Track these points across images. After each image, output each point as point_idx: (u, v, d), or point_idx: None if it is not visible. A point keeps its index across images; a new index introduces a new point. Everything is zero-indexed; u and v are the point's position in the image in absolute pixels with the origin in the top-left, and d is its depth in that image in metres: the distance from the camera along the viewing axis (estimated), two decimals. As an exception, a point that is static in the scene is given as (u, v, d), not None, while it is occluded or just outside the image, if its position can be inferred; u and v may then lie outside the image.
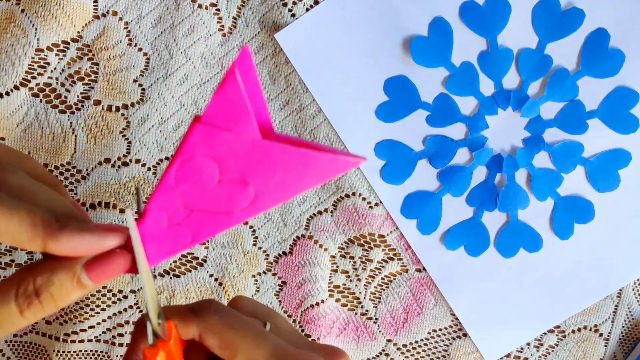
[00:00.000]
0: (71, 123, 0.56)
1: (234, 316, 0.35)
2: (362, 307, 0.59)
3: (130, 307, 0.58)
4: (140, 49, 0.55)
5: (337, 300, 0.59)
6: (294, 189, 0.30)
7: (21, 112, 0.56)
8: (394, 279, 0.58)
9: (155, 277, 0.58)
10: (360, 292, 0.59)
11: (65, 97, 0.56)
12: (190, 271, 0.58)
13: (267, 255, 0.58)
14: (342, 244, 0.58)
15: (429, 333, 0.59)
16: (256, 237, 0.58)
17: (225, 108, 0.29)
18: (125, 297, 0.58)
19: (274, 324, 0.36)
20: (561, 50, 0.55)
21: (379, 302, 0.59)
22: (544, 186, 0.57)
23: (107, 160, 0.57)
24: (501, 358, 0.59)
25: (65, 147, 0.56)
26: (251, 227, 0.58)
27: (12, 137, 0.56)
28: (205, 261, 0.58)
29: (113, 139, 0.56)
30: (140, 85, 0.56)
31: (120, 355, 0.59)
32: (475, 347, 0.59)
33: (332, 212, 0.58)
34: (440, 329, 0.59)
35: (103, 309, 0.58)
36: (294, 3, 0.55)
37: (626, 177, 0.56)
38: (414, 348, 0.60)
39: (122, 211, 0.57)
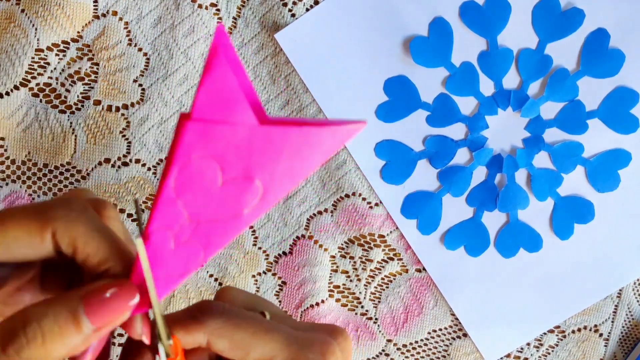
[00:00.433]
0: (71, 123, 0.56)
1: (239, 314, 0.32)
2: (362, 307, 0.59)
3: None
4: (140, 49, 0.55)
5: (337, 300, 0.59)
6: (302, 172, 0.27)
7: (21, 112, 0.56)
8: (394, 279, 0.58)
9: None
10: (360, 292, 0.59)
11: (65, 97, 0.56)
12: (190, 271, 0.58)
13: (267, 255, 0.58)
14: (342, 244, 0.58)
15: (429, 333, 0.59)
16: (256, 237, 0.58)
17: (215, 97, 0.25)
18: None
19: (271, 312, 0.35)
20: (561, 50, 0.55)
21: (379, 302, 0.59)
22: (544, 186, 0.57)
23: (107, 160, 0.57)
24: (501, 358, 0.59)
25: (65, 147, 0.56)
26: (251, 227, 0.58)
27: (12, 137, 0.56)
28: (205, 261, 0.58)
29: (113, 139, 0.56)
30: (140, 85, 0.56)
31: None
32: (475, 347, 0.59)
33: (332, 212, 0.58)
34: (440, 329, 0.59)
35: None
36: (294, 3, 0.55)
37: (626, 177, 0.56)
38: (413, 348, 0.60)
39: (122, 211, 0.57)
